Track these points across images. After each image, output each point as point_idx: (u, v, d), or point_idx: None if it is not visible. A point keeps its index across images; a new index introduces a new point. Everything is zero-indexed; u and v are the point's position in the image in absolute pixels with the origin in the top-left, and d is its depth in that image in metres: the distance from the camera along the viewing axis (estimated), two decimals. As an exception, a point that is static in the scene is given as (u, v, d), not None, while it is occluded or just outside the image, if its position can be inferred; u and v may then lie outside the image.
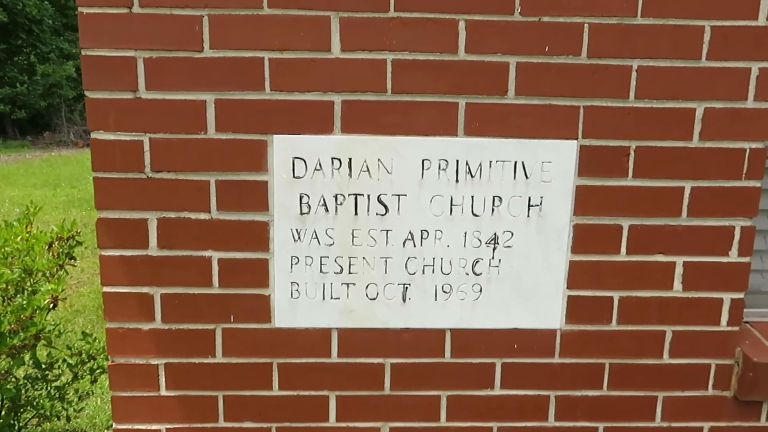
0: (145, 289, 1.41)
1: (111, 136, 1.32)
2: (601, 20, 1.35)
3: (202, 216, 1.38)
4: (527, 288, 1.46)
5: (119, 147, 1.33)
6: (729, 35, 1.36)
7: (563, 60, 1.37)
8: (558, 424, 1.55)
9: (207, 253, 1.40)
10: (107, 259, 1.38)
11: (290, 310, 1.45)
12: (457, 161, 1.39)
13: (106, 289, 1.39)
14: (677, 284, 1.49)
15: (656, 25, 1.36)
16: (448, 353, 1.50)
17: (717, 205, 1.45)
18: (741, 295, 1.50)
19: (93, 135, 1.32)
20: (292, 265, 1.42)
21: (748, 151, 1.42)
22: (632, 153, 1.41)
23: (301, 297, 1.44)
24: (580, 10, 1.34)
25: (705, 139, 1.42)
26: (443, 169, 1.39)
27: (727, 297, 1.50)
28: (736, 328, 1.52)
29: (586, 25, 1.35)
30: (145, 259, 1.39)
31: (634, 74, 1.38)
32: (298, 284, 1.43)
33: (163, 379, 1.45)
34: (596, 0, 1.34)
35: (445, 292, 1.46)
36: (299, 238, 1.41)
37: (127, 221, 1.37)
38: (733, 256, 1.48)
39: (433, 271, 1.45)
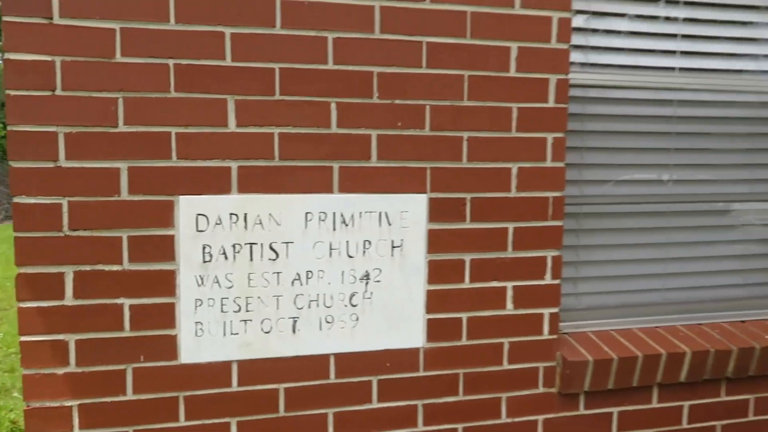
0: (60, 336, 1.63)
1: (32, 200, 1.58)
2: (438, 103, 1.85)
3: (115, 267, 1.66)
4: (395, 315, 1.88)
5: (39, 209, 1.58)
6: (530, 114, 1.92)
7: (412, 132, 1.85)
8: (426, 428, 1.95)
9: (119, 301, 1.67)
10: (25, 311, 1.60)
11: (195, 347, 1.74)
12: (334, 213, 1.80)
13: (23, 338, 1.60)
14: (509, 304, 1.98)
15: (478, 106, 1.89)
16: (333, 375, 1.86)
17: (533, 241, 1.98)
18: (556, 310, 2.03)
19: (15, 199, 1.57)
20: (196, 307, 1.73)
21: (551, 198, 1.98)
22: (468, 203, 1.91)
23: (205, 335, 1.74)
24: (423, 95, 1.84)
25: (520, 191, 1.95)
26: (322, 220, 1.79)
27: (546, 312, 2.02)
28: (555, 337, 2.04)
29: (427, 107, 1.85)
30: (61, 309, 1.63)
31: (465, 143, 1.89)
32: (201, 323, 1.73)
33: (77, 420, 1.66)
34: (434, 88, 1.84)
35: (328, 322, 1.83)
36: (202, 283, 1.72)
37: (45, 275, 1.61)
38: (548, 279, 2.01)
39: (318, 305, 1.82)
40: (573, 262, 2.28)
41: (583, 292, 2.31)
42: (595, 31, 2.21)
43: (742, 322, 2.39)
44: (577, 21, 2.16)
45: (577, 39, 2.16)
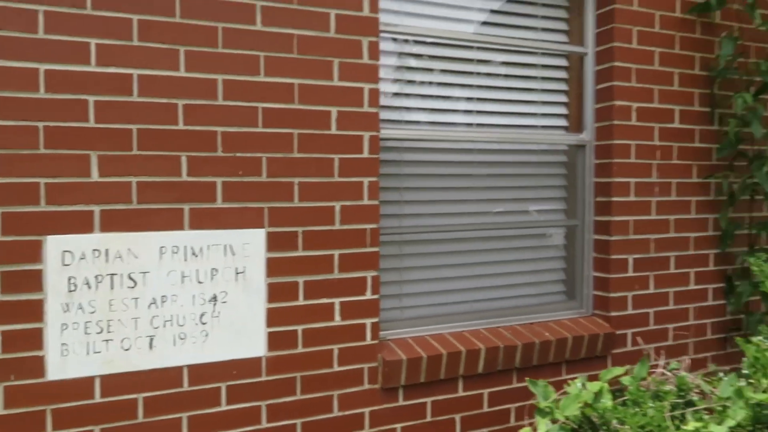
0: (-66, 361, 1.86)
1: None
2: (273, 155, 2.28)
3: (-13, 299, 1.92)
4: (240, 330, 2.26)
5: None
6: (349, 163, 2.40)
7: (252, 179, 2.26)
8: (269, 425, 2.33)
9: (-9, 327, 1.92)
10: None
11: (61, 365, 2.02)
12: (185, 246, 2.16)
13: None
14: (338, 317, 2.42)
15: (307, 157, 2.34)
16: (186, 384, 2.19)
17: (355, 264, 2.44)
18: (377, 320, 2.50)
19: None
20: (62, 330, 2.01)
21: (368, 230, 2.46)
22: (300, 235, 2.34)
23: (70, 354, 2.03)
24: (260, 149, 2.26)
25: (343, 224, 2.41)
26: (175, 253, 2.15)
27: (368, 322, 2.48)
28: (377, 342, 2.50)
29: (264, 158, 2.27)
30: (-65, 336, 1.86)
31: (296, 187, 2.33)
32: (67, 345, 2.02)
33: (-51, 434, 1.88)
34: (270, 143, 2.27)
35: (181, 339, 2.18)
36: (68, 309, 2.01)
37: None
38: (369, 295, 2.47)
39: (172, 324, 2.16)
40: (397, 281, 2.77)
41: (406, 305, 2.81)
42: (408, 95, 2.75)
43: (532, 324, 2.98)
44: (393, 87, 2.70)
45: (393, 102, 2.69)
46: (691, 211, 3.23)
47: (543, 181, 3.10)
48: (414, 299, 2.82)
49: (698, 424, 1.81)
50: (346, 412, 2.45)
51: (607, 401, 2.09)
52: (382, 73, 2.66)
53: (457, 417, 2.68)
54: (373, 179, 2.46)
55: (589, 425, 2.06)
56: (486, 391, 2.74)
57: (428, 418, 2.61)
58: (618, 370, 2.21)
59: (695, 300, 3.26)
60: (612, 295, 3.03)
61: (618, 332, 3.03)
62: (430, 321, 2.81)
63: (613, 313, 3.04)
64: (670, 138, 3.14)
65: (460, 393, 2.68)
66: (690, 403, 1.95)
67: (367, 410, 2.49)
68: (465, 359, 2.63)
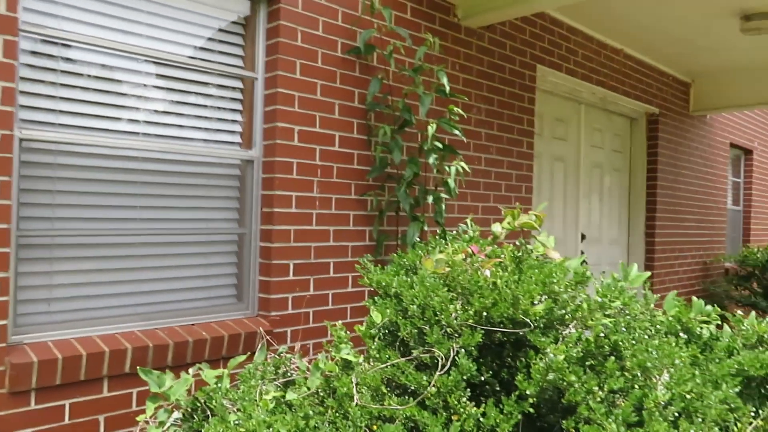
0: None
1: None
2: None
3: None
4: None
5: None
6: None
7: None
8: None
9: None
10: None
11: None
12: None
13: None
14: (-47, 320, 2.26)
15: None
16: None
17: (-22, 265, 2.31)
18: (5, 323, 2.38)
19: None
20: None
21: None
22: None
23: None
24: None
25: (-36, 224, 2.27)
26: None
27: (-7, 325, 2.36)
28: (4, 345, 2.39)
29: None
30: None
31: None
32: None
33: None
34: None
35: None
36: None
37: None
38: (-5, 298, 2.36)
39: None
40: (47, 285, 2.68)
41: (56, 310, 2.72)
42: (66, 99, 2.70)
43: (193, 324, 3.09)
44: (47, 90, 2.63)
45: (46, 103, 2.62)
46: (350, 223, 3.64)
47: (216, 191, 3.26)
48: (66, 303, 2.75)
49: (277, 394, 2.06)
50: (-38, 421, 2.30)
51: (226, 384, 2.26)
52: (34, 75, 2.59)
53: (102, 417, 2.66)
54: (4, 179, 2.37)
55: (200, 406, 2.21)
56: (135, 390, 2.77)
57: (67, 421, 2.56)
58: (242, 358, 2.40)
59: (353, 300, 3.68)
60: (273, 296, 3.28)
61: (277, 330, 3.28)
62: (84, 324, 2.77)
63: (273, 313, 3.28)
64: (331, 159, 3.53)
65: (105, 393, 2.67)
66: (289, 378, 2.21)
67: (-12, 417, 2.36)
68: (109, 359, 2.63)
